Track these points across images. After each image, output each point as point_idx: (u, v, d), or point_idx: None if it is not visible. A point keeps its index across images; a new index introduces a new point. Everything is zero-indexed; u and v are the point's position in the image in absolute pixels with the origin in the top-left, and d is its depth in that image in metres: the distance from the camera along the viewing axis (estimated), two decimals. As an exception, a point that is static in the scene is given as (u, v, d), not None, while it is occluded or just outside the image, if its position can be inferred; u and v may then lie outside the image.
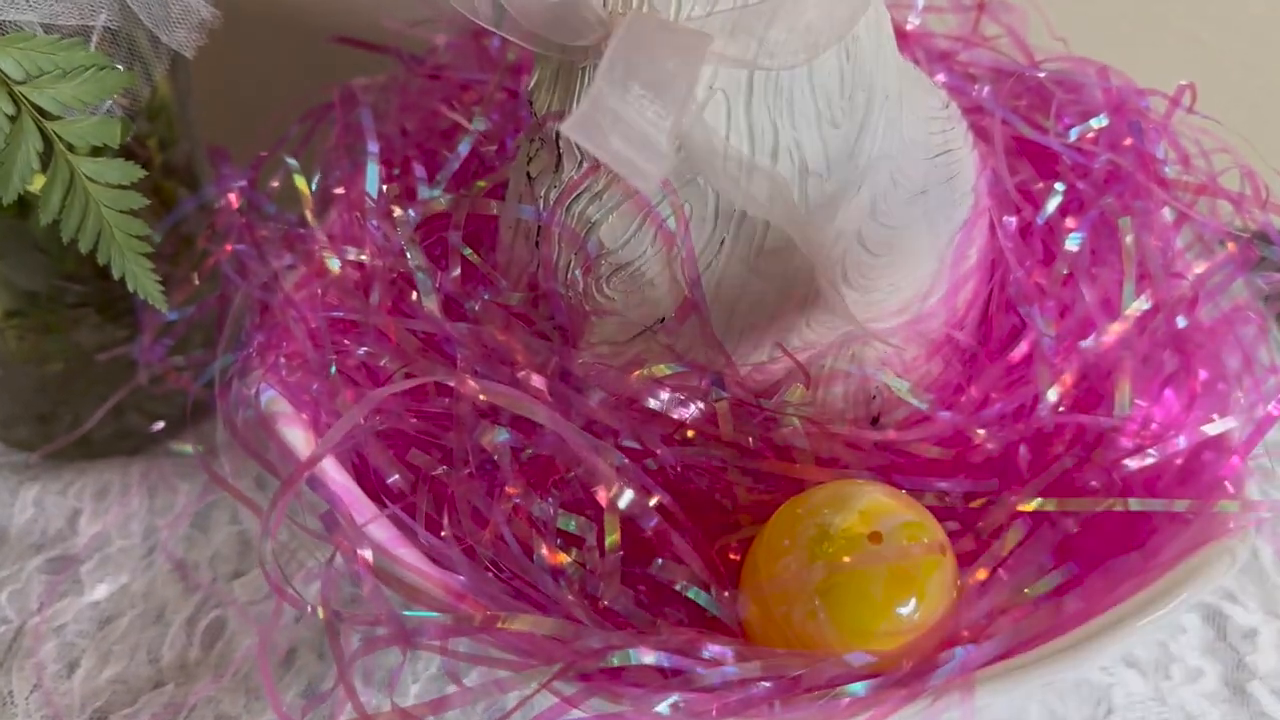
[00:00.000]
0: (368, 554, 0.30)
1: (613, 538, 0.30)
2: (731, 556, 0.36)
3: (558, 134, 0.34)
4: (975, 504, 0.37)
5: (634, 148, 0.25)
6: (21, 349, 0.48)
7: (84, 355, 0.48)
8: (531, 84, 0.34)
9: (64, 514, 0.49)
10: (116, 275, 0.34)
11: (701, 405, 0.35)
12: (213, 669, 0.44)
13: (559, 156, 0.34)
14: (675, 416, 0.34)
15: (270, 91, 0.55)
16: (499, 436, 0.31)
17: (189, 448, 0.51)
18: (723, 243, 0.33)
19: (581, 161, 0.34)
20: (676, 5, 0.29)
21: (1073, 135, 0.43)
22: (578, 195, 0.34)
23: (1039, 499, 0.36)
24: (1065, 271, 0.41)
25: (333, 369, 0.32)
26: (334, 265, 0.36)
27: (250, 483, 0.49)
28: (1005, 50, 0.49)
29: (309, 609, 0.29)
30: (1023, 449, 0.38)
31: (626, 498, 0.29)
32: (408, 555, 0.30)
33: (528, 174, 0.36)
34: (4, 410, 0.50)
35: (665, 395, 0.33)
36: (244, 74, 0.56)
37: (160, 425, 0.51)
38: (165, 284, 0.46)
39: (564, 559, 0.32)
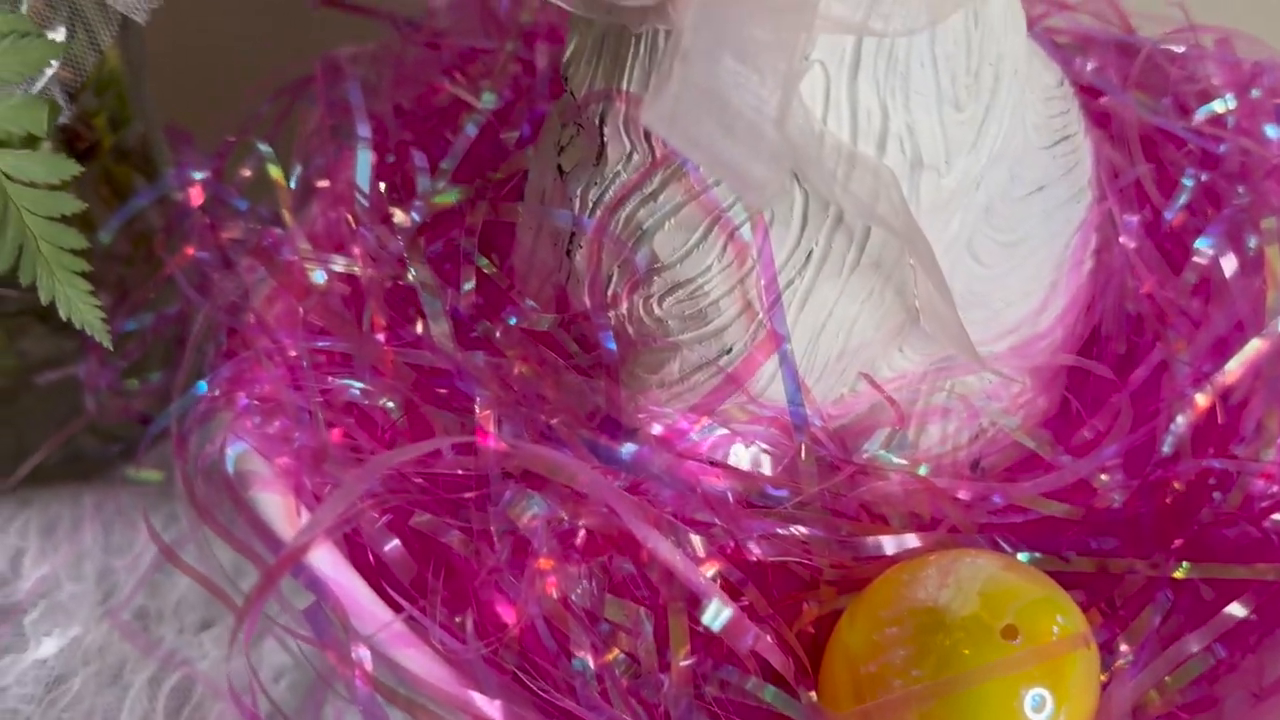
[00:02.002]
0: (366, 659, 0.23)
1: (683, 648, 0.23)
2: (809, 630, 0.30)
3: (602, 118, 0.27)
4: (1099, 567, 0.31)
5: (740, 144, 0.18)
6: (-47, 361, 0.42)
7: (27, 369, 0.43)
8: (568, 55, 0.27)
9: (5, 554, 0.45)
10: (44, 299, 0.28)
11: (774, 453, 0.29)
12: (180, 741, 0.39)
13: (601, 146, 0.27)
14: (748, 471, 0.27)
15: (238, 61, 0.48)
16: (532, 507, 0.24)
17: (145, 475, 0.45)
18: (809, 255, 0.27)
19: (632, 153, 0.27)
20: (768, -47, 0.22)
21: (1195, 118, 0.36)
22: (624, 195, 0.27)
23: (1186, 564, 0.30)
24: (1194, 280, 0.34)
25: (320, 416, 0.25)
26: (318, 278, 0.29)
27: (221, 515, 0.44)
28: (1096, 13, 0.42)
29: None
30: (1145, 500, 0.32)
31: (718, 615, 0.23)
32: (415, 662, 0.24)
33: (559, 167, 0.29)
34: None
35: (738, 449, 0.27)
36: (207, 41, 0.50)
37: (117, 449, 0.45)
38: (121, 289, 0.40)
39: (614, 655, 0.25)
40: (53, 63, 0.30)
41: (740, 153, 0.19)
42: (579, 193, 0.28)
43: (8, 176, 0.26)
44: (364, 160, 0.33)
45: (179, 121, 0.41)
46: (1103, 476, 0.31)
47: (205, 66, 0.49)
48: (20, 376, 0.43)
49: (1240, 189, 0.36)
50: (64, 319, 0.41)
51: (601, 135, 0.27)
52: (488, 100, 0.37)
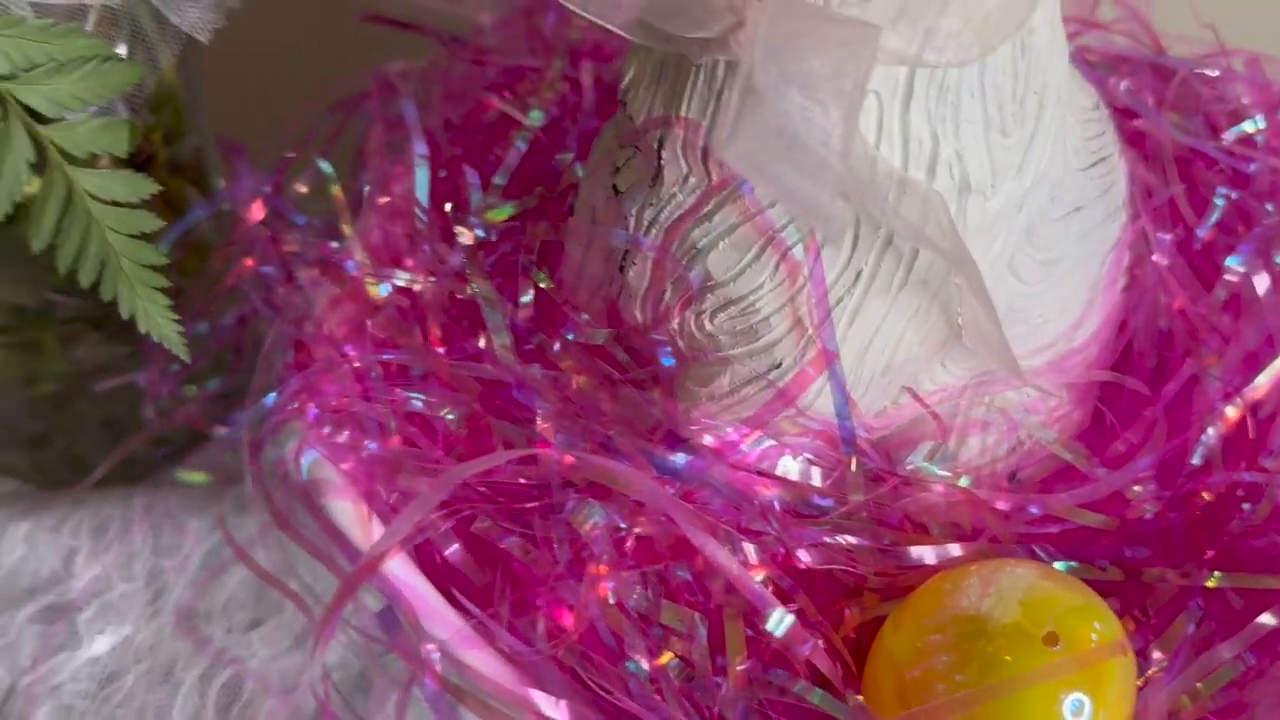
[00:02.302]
0: (436, 660, 0.24)
1: (739, 654, 0.24)
2: (851, 636, 0.31)
3: (660, 143, 0.28)
4: (1133, 576, 0.32)
5: (809, 177, 0.19)
6: (8, 368, 0.44)
7: (79, 375, 0.44)
8: (626, 81, 0.28)
9: (58, 554, 0.46)
10: (125, 314, 0.29)
11: (821, 465, 0.30)
12: (230, 737, 0.40)
13: (659, 169, 0.28)
14: (797, 482, 0.28)
15: (286, 76, 0.49)
16: (593, 516, 0.25)
17: (199, 477, 0.46)
18: (859, 275, 0.28)
19: (688, 176, 0.28)
20: (827, -12, 0.23)
21: (1226, 139, 0.37)
22: (680, 215, 0.28)
23: (1218, 573, 0.31)
24: (1224, 297, 0.35)
25: (392, 425, 0.26)
26: (381, 291, 0.30)
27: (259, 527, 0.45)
28: (1128, 33, 0.43)
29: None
30: (1177, 510, 0.33)
31: (781, 622, 0.24)
32: (482, 662, 0.25)
33: (614, 186, 0.30)
34: None
35: (786, 461, 0.28)
36: (255, 56, 0.51)
37: (164, 452, 0.46)
38: (175, 298, 0.42)
39: (668, 658, 0.27)
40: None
41: (809, 185, 0.20)
42: (634, 212, 0.29)
43: (92, 196, 0.28)
44: (422, 177, 0.34)
45: (229, 135, 0.42)
46: (1136, 488, 0.32)
47: (254, 81, 0.50)
48: (73, 383, 0.44)
49: (1270, 207, 0.37)
50: (115, 328, 0.43)
51: (659, 158, 0.28)
52: (535, 117, 0.38)
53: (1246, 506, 0.33)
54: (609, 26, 0.25)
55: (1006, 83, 0.26)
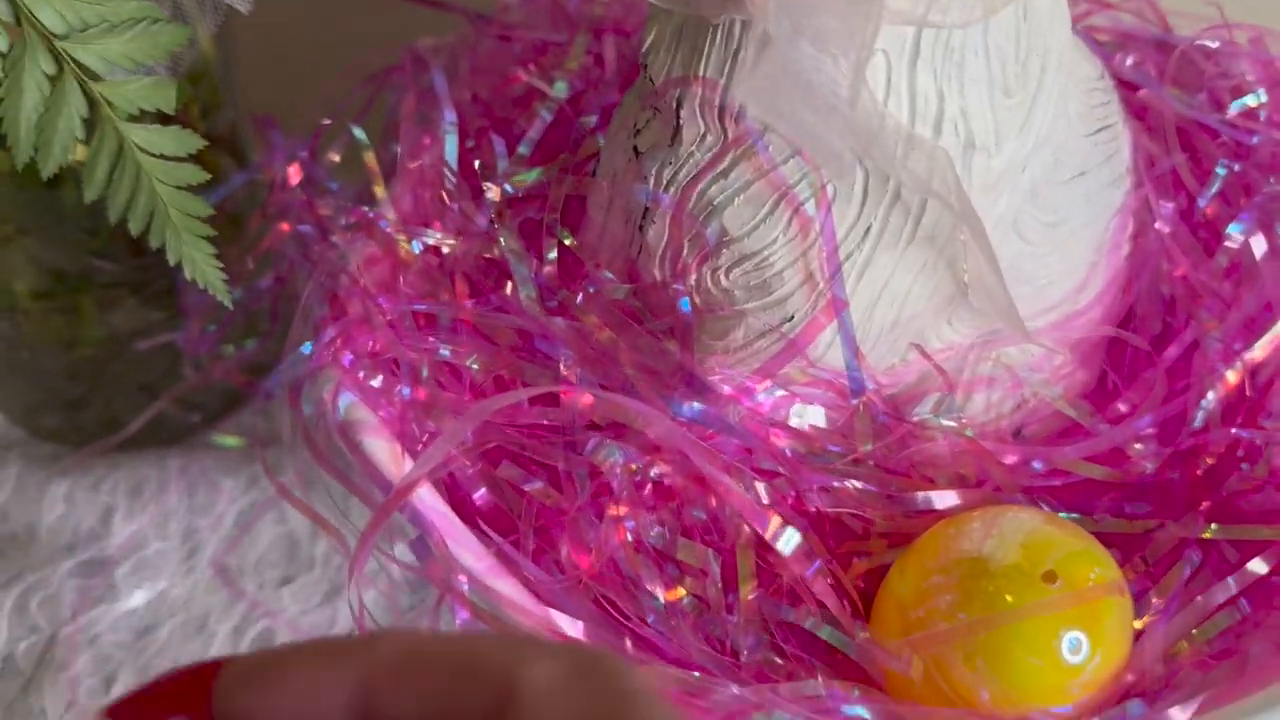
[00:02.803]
0: (464, 587, 0.26)
1: (749, 582, 0.26)
2: (859, 584, 0.32)
3: (679, 103, 0.29)
4: (1132, 527, 0.33)
5: (820, 119, 0.21)
6: (49, 331, 0.45)
7: (117, 339, 0.45)
8: (647, 44, 0.30)
9: (96, 512, 0.47)
10: (173, 260, 0.30)
11: (831, 416, 0.31)
12: (262, 688, 0.41)
13: (677, 128, 0.30)
14: (807, 429, 0.29)
15: (317, 53, 0.50)
16: (612, 455, 0.27)
17: (233, 440, 0.47)
18: (868, 230, 0.29)
19: (705, 135, 0.29)
20: (839, -49, 0.24)
21: (1229, 112, 0.38)
22: (697, 173, 0.29)
23: (1214, 525, 0.32)
24: (1226, 264, 0.36)
25: (424, 372, 0.28)
26: (413, 249, 0.32)
27: (294, 478, 0.46)
28: (1135, 12, 0.44)
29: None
30: (1177, 468, 0.34)
31: (789, 540, 0.25)
32: (508, 589, 0.26)
33: (634, 147, 0.32)
34: (31, 397, 0.48)
35: (796, 407, 0.29)
36: (286, 33, 0.52)
37: (198, 416, 0.48)
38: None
39: (681, 593, 0.28)
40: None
41: (821, 126, 0.21)
42: (654, 171, 0.31)
43: (141, 149, 0.29)
44: (451, 142, 0.35)
45: (263, 108, 0.44)
46: (1137, 445, 0.33)
47: (288, 59, 0.51)
48: (111, 347, 0.45)
49: (1271, 179, 0.38)
50: (153, 292, 0.44)
51: (678, 118, 0.29)
52: (559, 89, 0.40)
53: (1245, 466, 0.34)
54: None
55: (1009, 44, 0.27)
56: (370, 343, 0.29)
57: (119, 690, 0.41)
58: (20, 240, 0.42)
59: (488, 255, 0.33)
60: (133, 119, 0.30)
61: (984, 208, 0.29)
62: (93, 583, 0.43)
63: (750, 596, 0.26)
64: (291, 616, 0.43)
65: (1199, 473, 0.34)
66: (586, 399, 0.26)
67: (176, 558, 0.45)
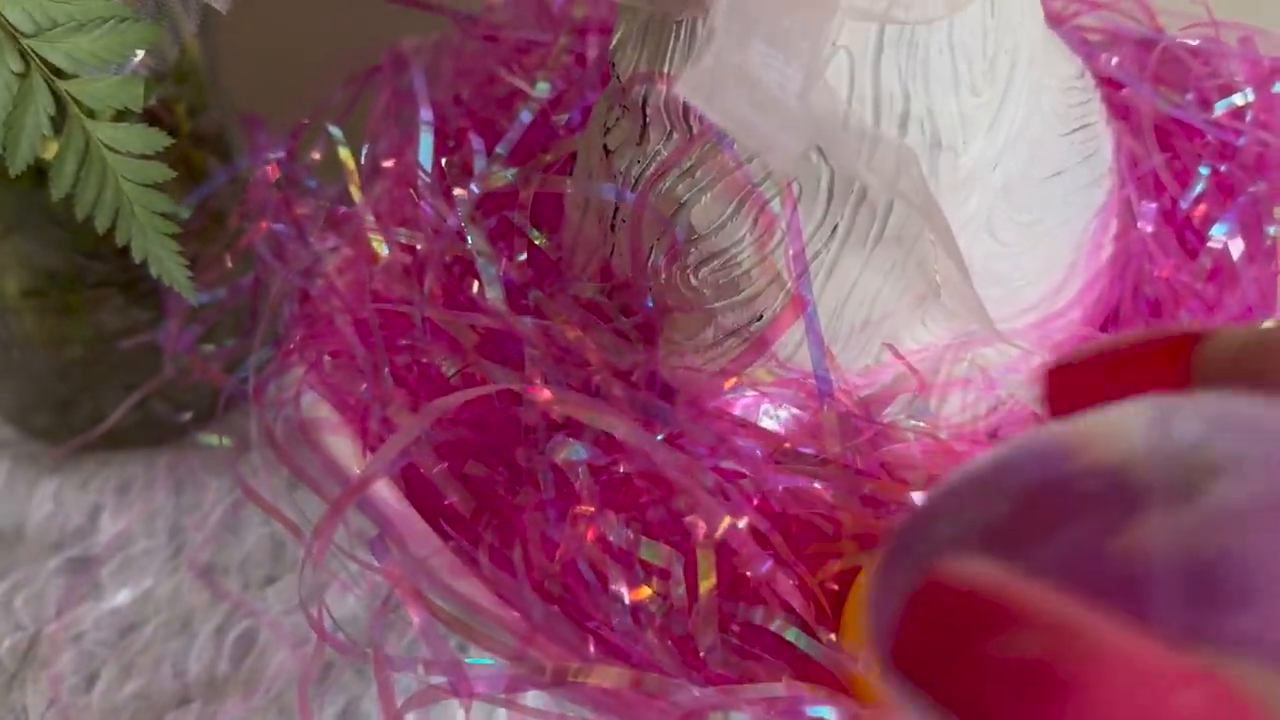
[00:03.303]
0: (423, 583, 0.26)
1: (709, 579, 0.25)
2: (831, 586, 0.31)
3: (645, 100, 0.29)
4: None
5: (765, 113, 0.20)
6: (39, 331, 0.45)
7: (106, 339, 0.46)
8: (614, 42, 0.30)
9: (84, 510, 0.47)
10: (138, 257, 0.30)
11: (800, 416, 0.31)
12: (243, 686, 0.42)
13: (644, 126, 0.30)
14: (775, 430, 0.29)
15: (305, 53, 0.51)
16: (575, 454, 0.27)
17: (218, 440, 0.47)
18: (835, 229, 0.29)
19: (671, 132, 0.29)
20: (798, -53, 0.24)
21: (1215, 111, 0.38)
22: (664, 170, 0.29)
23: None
24: (1209, 265, 0.36)
25: (386, 372, 0.28)
26: (382, 249, 0.32)
27: (283, 482, 0.46)
28: (1126, 12, 0.43)
29: (359, 651, 0.24)
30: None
31: (736, 524, 0.25)
32: (468, 589, 0.26)
33: (605, 146, 0.32)
34: (21, 396, 0.48)
35: (765, 407, 0.29)
36: (276, 33, 0.52)
37: (188, 416, 0.48)
38: (194, 264, 0.43)
39: (646, 593, 0.28)
40: (138, 51, 0.33)
41: (765, 122, 0.21)
42: (623, 169, 0.31)
43: (107, 147, 0.29)
44: (426, 143, 0.35)
45: (250, 108, 0.44)
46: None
47: (273, 57, 0.51)
48: (99, 346, 0.45)
49: (1258, 181, 0.37)
50: (140, 292, 0.44)
51: (644, 116, 0.29)
52: (541, 89, 0.40)
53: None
54: (597, -11, 0.27)
55: (976, 41, 0.27)
56: (335, 341, 0.29)
57: (101, 689, 0.41)
58: (9, 239, 0.42)
59: (458, 254, 0.33)
60: (113, 119, 0.30)
61: (953, 207, 0.29)
62: (78, 580, 0.44)
63: (708, 596, 0.26)
64: (275, 616, 0.43)
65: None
66: (546, 395, 0.26)
67: (162, 556, 0.45)
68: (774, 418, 0.30)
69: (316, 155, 0.39)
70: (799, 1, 0.23)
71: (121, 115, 0.31)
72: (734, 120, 0.21)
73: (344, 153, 0.36)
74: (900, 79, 0.27)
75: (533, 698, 0.26)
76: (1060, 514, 0.12)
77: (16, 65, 0.28)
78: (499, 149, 0.37)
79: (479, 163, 0.37)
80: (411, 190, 0.32)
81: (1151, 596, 0.11)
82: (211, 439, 0.47)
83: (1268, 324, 0.14)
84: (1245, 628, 0.11)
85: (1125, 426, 0.13)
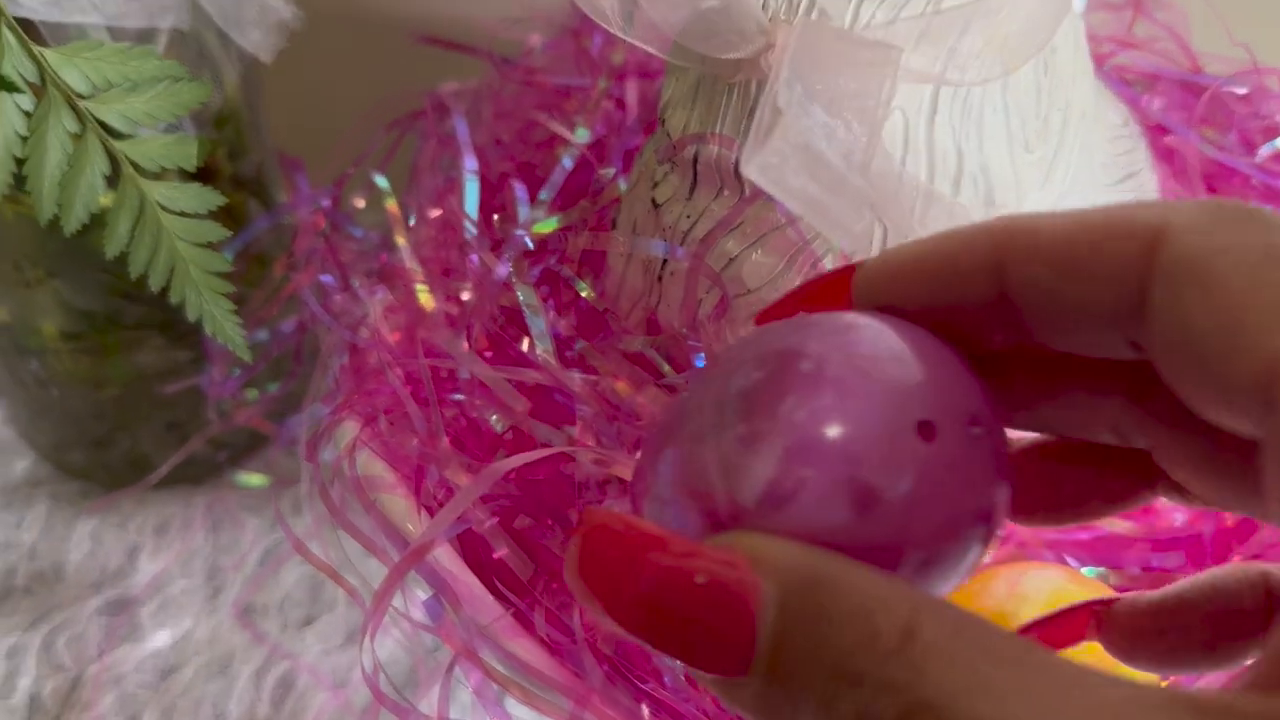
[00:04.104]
0: (479, 648, 0.26)
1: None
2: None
3: (696, 158, 0.29)
4: (1158, 583, 0.32)
5: (829, 191, 0.20)
6: (77, 371, 0.46)
7: (144, 379, 0.46)
8: (665, 100, 0.30)
9: (123, 550, 0.47)
10: (192, 317, 0.30)
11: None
12: (283, 729, 0.41)
13: (695, 182, 0.30)
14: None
15: (343, 96, 0.51)
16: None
17: (257, 479, 0.47)
18: (887, 286, 0.28)
19: (722, 189, 0.29)
20: (854, 10, 0.24)
21: (1260, 155, 0.38)
22: (714, 226, 0.29)
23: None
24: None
25: (440, 426, 0.28)
26: (429, 301, 0.32)
27: (313, 523, 0.46)
28: (1164, 52, 0.43)
29: (417, 713, 0.24)
30: (1208, 519, 0.33)
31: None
32: (524, 651, 0.26)
33: (653, 199, 0.32)
34: (58, 434, 0.48)
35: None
36: (313, 76, 0.52)
37: (225, 455, 0.48)
38: (238, 306, 0.43)
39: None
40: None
41: (831, 198, 0.21)
42: (672, 223, 0.31)
43: (162, 207, 0.29)
44: (471, 190, 0.35)
45: (289, 150, 0.44)
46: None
47: (314, 101, 0.51)
48: (138, 386, 0.45)
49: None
50: (178, 333, 0.44)
51: (695, 173, 0.29)
52: (581, 135, 0.40)
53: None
54: (649, 49, 0.27)
55: (1029, 100, 0.27)
56: (387, 397, 0.29)
57: (142, 732, 0.41)
58: (49, 283, 0.43)
59: (504, 305, 0.33)
60: (157, 176, 0.30)
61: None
62: (118, 621, 0.44)
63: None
64: (314, 657, 0.43)
65: (1229, 523, 0.33)
66: (593, 459, 0.26)
67: (201, 597, 0.45)
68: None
69: (360, 202, 0.39)
70: (858, 66, 0.23)
71: (171, 172, 0.31)
72: (803, 201, 0.21)
73: (390, 202, 0.36)
74: (954, 138, 0.27)
75: (589, 760, 0.26)
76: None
77: (73, 126, 0.28)
78: (543, 195, 0.37)
79: (522, 211, 0.37)
80: (460, 243, 0.32)
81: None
82: (251, 479, 0.47)
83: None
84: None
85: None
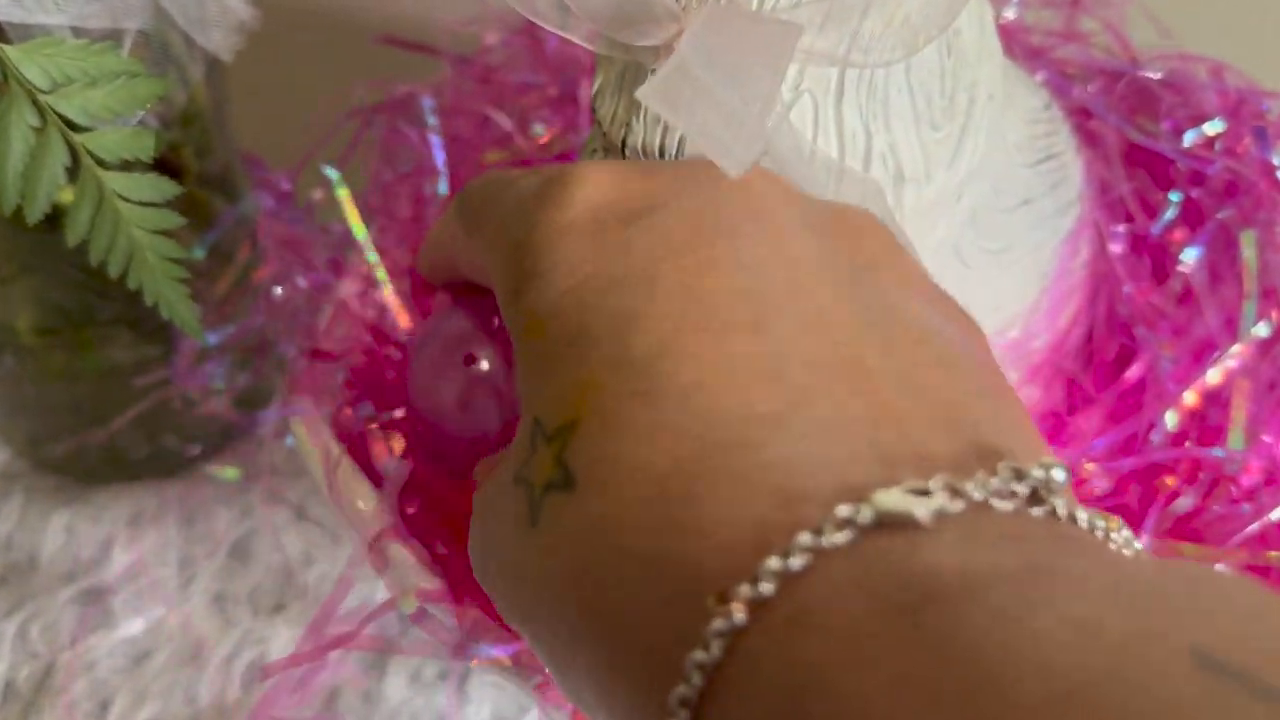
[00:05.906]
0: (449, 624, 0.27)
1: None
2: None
3: (624, 143, 0.30)
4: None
5: (722, 121, 0.22)
6: (52, 366, 0.46)
7: (117, 374, 0.46)
8: (595, 89, 0.31)
9: (96, 541, 0.48)
10: (150, 301, 0.32)
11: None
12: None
13: (625, 166, 0.31)
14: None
15: (303, 94, 0.52)
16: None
17: (230, 472, 0.49)
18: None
19: (652, 173, 0.30)
20: (761, -3, 0.26)
21: (1186, 140, 0.39)
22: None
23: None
24: (1179, 289, 0.37)
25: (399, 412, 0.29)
26: (387, 293, 0.33)
27: (289, 512, 0.47)
28: (1104, 47, 0.45)
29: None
30: (1134, 487, 0.35)
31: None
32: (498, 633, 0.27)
33: (591, 186, 0.33)
34: (34, 430, 0.49)
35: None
36: (276, 74, 0.54)
37: (197, 449, 0.49)
38: (203, 302, 0.43)
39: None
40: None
41: (722, 128, 0.22)
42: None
43: (120, 196, 0.31)
44: (429, 184, 0.37)
45: (252, 149, 0.45)
46: (1089, 465, 0.34)
47: (275, 100, 0.53)
48: (111, 381, 0.46)
49: (1226, 207, 0.38)
50: (149, 329, 0.45)
51: (623, 155, 0.31)
52: (537, 131, 0.41)
53: (1197, 486, 0.34)
54: (572, 38, 0.28)
55: (934, 81, 0.28)
56: (349, 385, 0.30)
57: (115, 716, 0.42)
58: (23, 279, 0.44)
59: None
60: (121, 168, 0.31)
61: (920, 233, 0.30)
62: (91, 610, 0.45)
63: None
64: (284, 644, 0.44)
65: (1151, 492, 0.35)
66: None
67: (173, 585, 0.46)
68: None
69: (318, 195, 0.40)
70: (759, 42, 0.24)
71: (131, 165, 0.32)
72: (691, 122, 0.22)
73: (345, 195, 0.37)
74: (862, 118, 0.28)
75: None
76: None
77: (34, 120, 0.30)
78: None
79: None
80: (419, 236, 0.34)
81: None
82: (223, 471, 0.48)
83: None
84: None
85: None
